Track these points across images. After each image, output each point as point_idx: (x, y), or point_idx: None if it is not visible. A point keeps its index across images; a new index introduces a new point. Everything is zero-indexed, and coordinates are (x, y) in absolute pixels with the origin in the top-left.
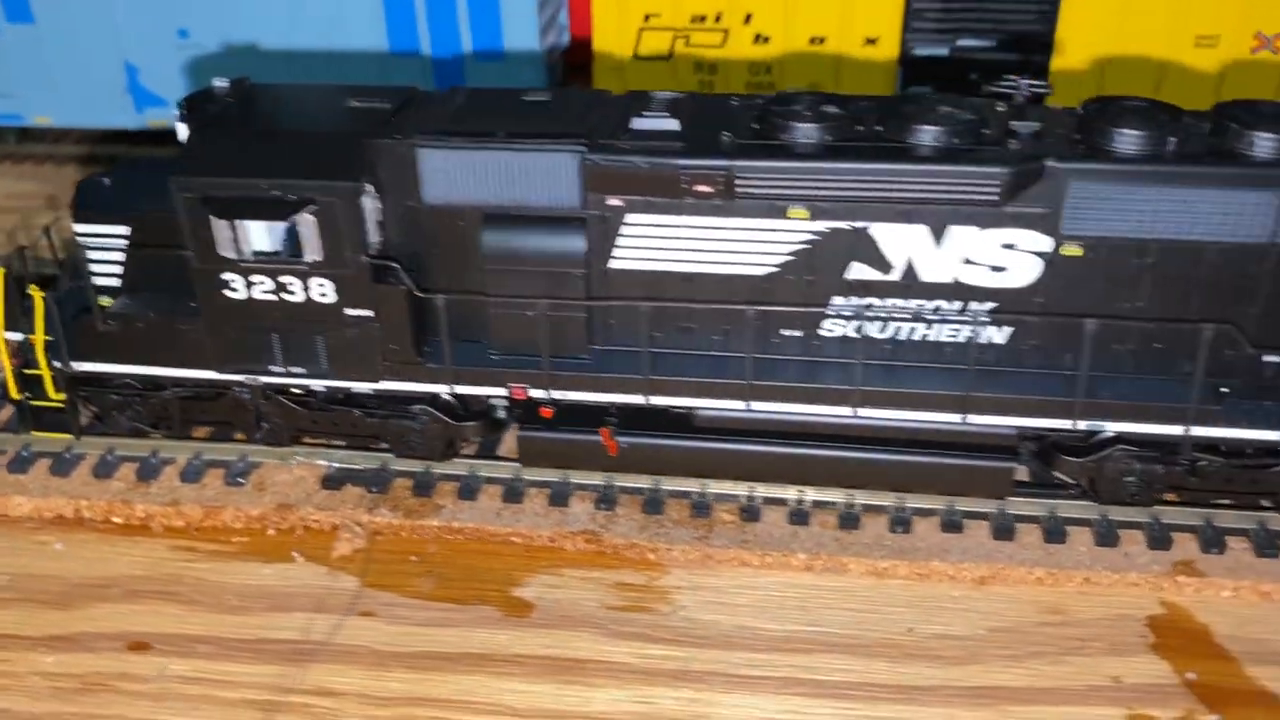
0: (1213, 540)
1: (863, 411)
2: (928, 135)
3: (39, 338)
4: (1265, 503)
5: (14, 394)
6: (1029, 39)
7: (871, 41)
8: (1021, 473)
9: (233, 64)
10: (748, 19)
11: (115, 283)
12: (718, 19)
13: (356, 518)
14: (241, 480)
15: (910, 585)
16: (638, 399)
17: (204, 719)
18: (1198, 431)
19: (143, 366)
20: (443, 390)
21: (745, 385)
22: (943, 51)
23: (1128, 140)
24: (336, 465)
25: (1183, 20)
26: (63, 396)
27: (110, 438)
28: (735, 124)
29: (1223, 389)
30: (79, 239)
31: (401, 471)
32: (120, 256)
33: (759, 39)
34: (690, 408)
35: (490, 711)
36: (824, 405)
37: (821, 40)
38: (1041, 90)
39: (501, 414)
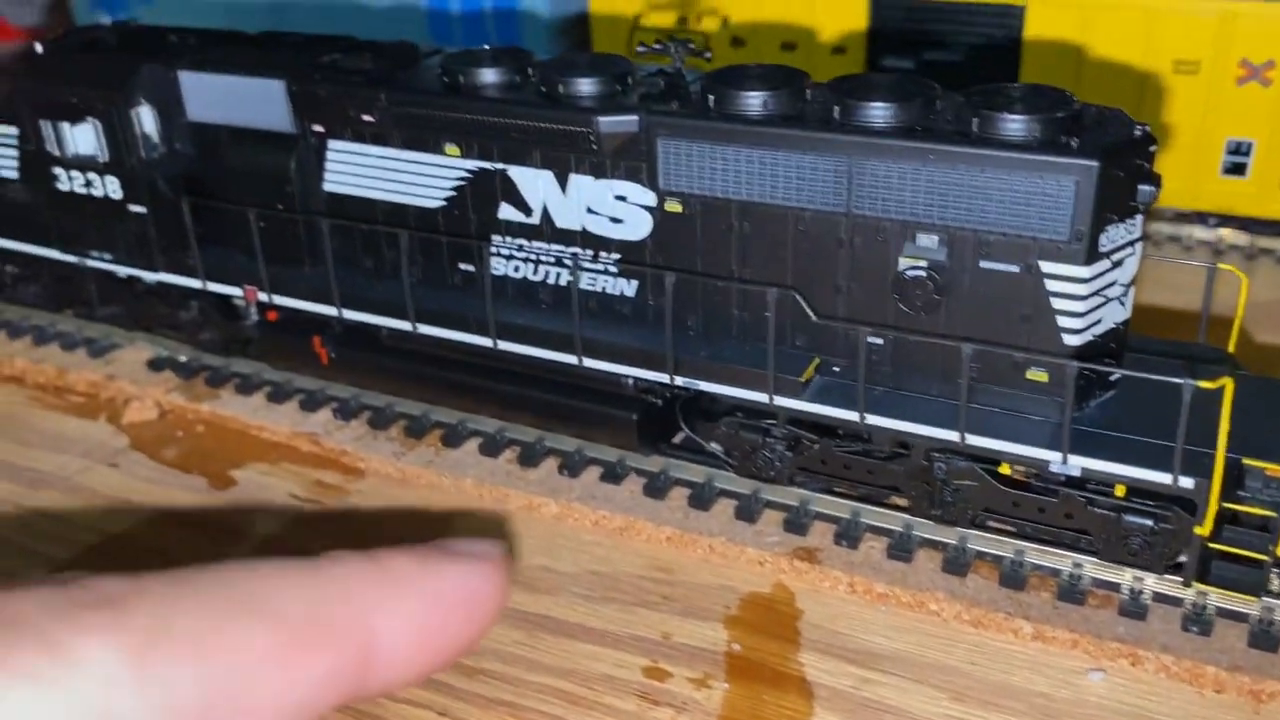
0: (847, 534)
1: (502, 345)
2: (570, 87)
3: None
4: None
5: None
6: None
7: (840, 50)
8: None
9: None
10: (724, 23)
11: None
12: (699, 19)
13: (156, 396)
14: (99, 355)
15: (555, 524)
16: (331, 311)
17: None
18: (782, 403)
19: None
20: (196, 285)
21: (410, 308)
22: (909, 64)
23: (726, 100)
24: (165, 353)
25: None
26: None
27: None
28: (430, 75)
29: (835, 367)
30: None
31: (206, 365)
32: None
33: (735, 43)
34: (374, 326)
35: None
36: (469, 334)
37: (793, 47)
38: (696, 53)
39: (255, 316)
